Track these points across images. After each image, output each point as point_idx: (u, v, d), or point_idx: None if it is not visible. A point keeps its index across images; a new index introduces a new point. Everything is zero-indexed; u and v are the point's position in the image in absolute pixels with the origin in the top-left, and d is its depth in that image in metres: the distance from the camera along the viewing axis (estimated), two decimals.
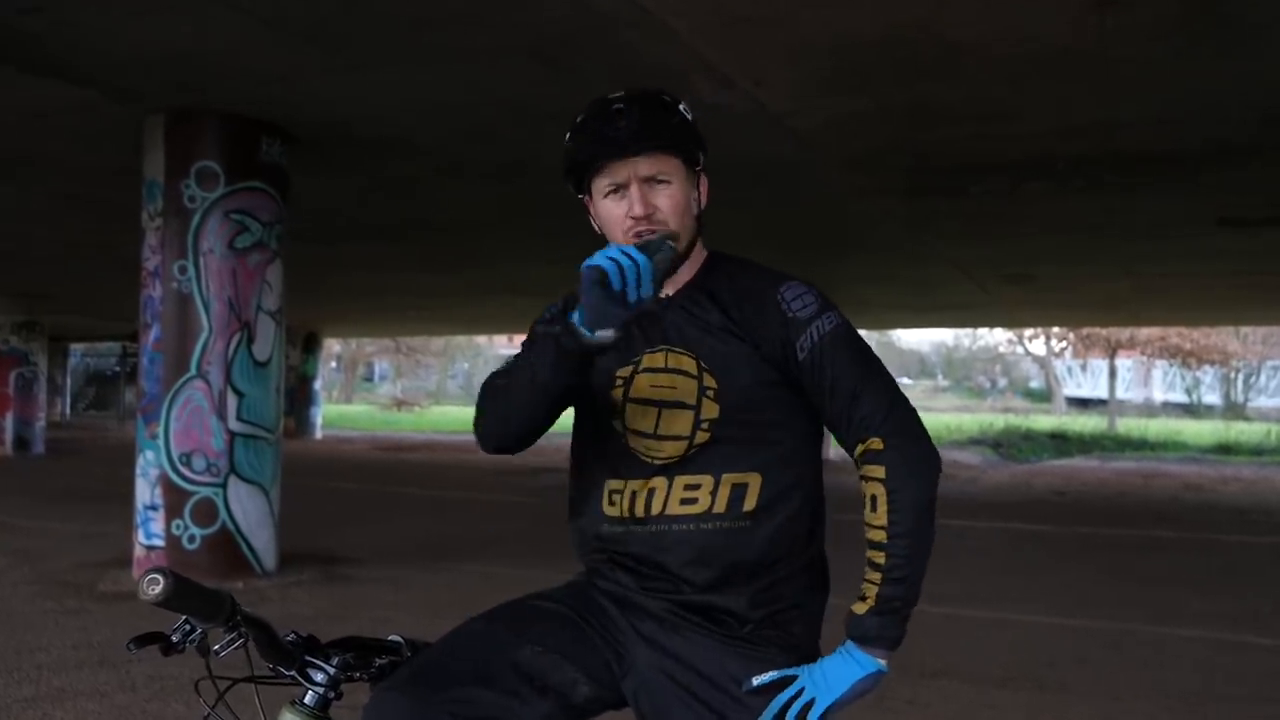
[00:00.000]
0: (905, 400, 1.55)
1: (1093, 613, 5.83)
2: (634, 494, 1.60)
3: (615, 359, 1.62)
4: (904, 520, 1.47)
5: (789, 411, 1.58)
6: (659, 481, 1.58)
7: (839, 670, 1.48)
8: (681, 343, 1.60)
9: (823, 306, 1.57)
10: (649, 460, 1.59)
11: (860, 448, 1.52)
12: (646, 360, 1.61)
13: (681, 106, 1.60)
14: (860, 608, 1.49)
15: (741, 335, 1.57)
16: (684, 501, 1.57)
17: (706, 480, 1.56)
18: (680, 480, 1.57)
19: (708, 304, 1.60)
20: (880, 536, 1.48)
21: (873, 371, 1.55)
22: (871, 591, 1.48)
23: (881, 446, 1.50)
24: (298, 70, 5.32)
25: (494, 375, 1.65)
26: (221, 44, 4.99)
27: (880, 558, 1.48)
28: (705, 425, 1.56)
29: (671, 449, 1.57)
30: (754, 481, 1.56)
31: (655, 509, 1.58)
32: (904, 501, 1.48)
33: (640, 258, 1.39)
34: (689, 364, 1.58)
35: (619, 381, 1.62)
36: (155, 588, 1.27)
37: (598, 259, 1.38)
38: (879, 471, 1.49)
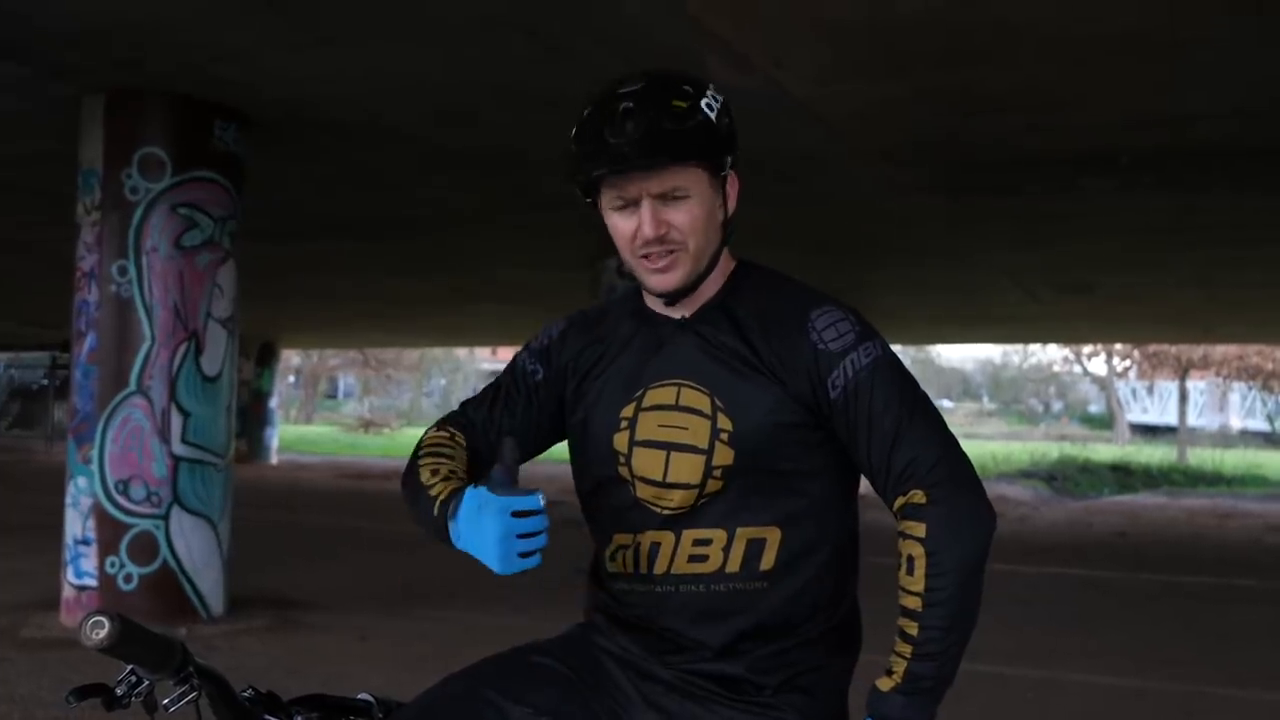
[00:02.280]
0: (956, 447, 1.53)
1: (1161, 673, 5.81)
2: (639, 548, 1.60)
3: (619, 396, 1.62)
4: (944, 587, 1.44)
5: (817, 457, 1.57)
6: (665, 535, 1.58)
7: None
8: (695, 376, 1.58)
9: (861, 336, 1.55)
10: (657, 510, 1.58)
11: (900, 500, 1.50)
12: (652, 396, 1.59)
13: (705, 99, 1.53)
14: (885, 683, 1.47)
15: (765, 370, 1.55)
16: (693, 559, 1.56)
17: (719, 535, 1.55)
18: (689, 534, 1.56)
19: (728, 330, 1.58)
20: (915, 604, 1.45)
21: (918, 412, 1.53)
22: (900, 667, 1.46)
23: (924, 500, 1.47)
24: (257, 44, 5.36)
25: (414, 460, 1.62)
26: (171, 13, 5.02)
27: (913, 628, 1.45)
28: (718, 472, 1.54)
29: (680, 498, 1.56)
30: (772, 537, 1.55)
31: (660, 567, 1.58)
32: (946, 565, 1.44)
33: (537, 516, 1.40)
34: (702, 401, 1.56)
35: (623, 424, 1.60)
36: (100, 632, 1.27)
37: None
38: (919, 529, 1.46)
